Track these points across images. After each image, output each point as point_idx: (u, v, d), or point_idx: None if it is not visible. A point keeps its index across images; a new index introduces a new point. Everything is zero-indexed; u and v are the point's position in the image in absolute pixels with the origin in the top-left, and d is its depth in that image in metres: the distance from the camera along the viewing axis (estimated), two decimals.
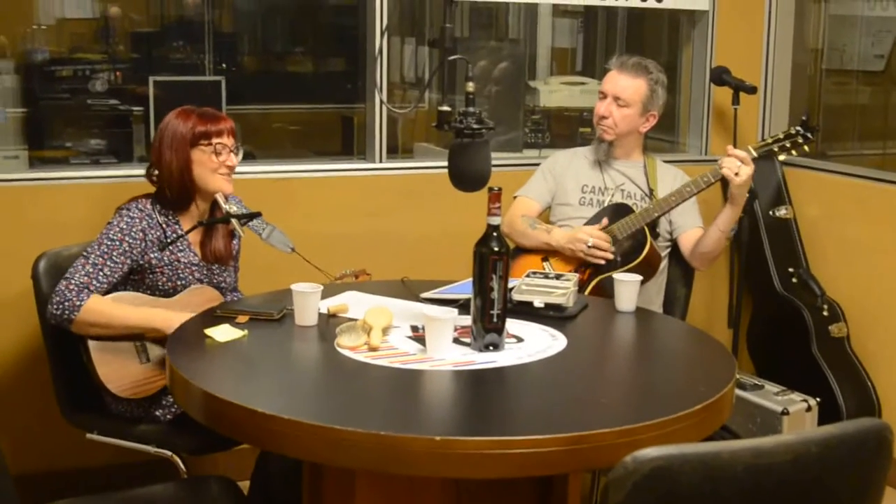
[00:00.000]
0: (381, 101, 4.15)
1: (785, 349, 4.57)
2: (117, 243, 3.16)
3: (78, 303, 3.05)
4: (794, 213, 4.70)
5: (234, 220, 3.23)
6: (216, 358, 2.72)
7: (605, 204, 3.89)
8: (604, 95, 3.91)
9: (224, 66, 5.94)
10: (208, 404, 2.42)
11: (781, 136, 3.69)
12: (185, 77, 5.44)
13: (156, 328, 3.07)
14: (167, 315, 3.06)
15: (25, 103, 4.78)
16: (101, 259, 3.13)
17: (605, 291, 3.56)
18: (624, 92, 3.86)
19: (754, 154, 3.64)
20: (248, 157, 4.74)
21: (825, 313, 4.46)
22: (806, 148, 3.69)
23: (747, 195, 3.71)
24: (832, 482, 1.85)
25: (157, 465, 3.21)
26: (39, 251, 3.33)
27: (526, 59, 5.27)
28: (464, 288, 3.01)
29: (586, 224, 3.83)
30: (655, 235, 3.79)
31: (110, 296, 3.13)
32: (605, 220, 3.78)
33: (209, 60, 5.86)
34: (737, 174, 3.55)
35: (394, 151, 4.68)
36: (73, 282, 3.08)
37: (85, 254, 3.15)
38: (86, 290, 3.07)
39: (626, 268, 3.60)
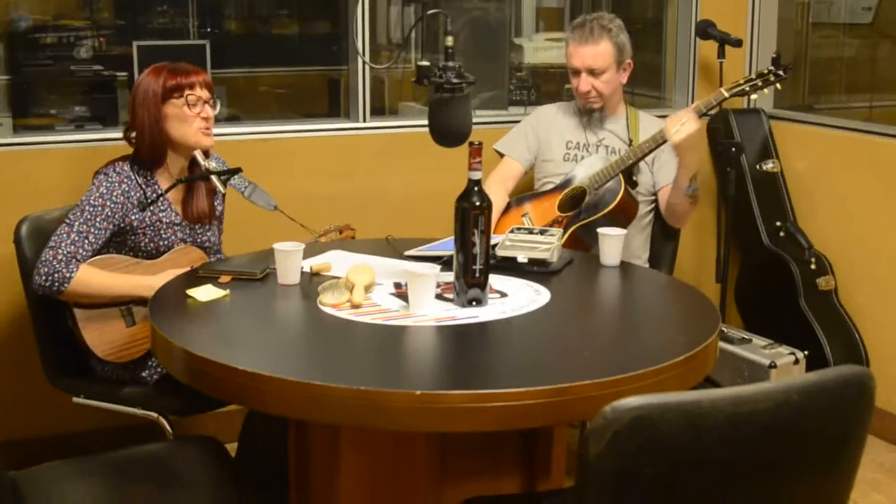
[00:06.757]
0: (361, 54, 4.12)
1: (773, 303, 4.57)
2: (99, 209, 3.13)
3: (68, 274, 3.03)
4: (781, 166, 4.68)
5: (214, 177, 3.20)
6: (198, 318, 2.70)
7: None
8: (576, 71, 3.87)
9: (209, 29, 5.89)
10: (190, 364, 2.42)
11: (754, 76, 3.68)
12: (170, 41, 5.40)
13: (143, 297, 3.05)
14: (154, 283, 3.03)
15: (9, 71, 4.76)
16: (84, 227, 3.10)
17: (584, 243, 3.55)
18: (595, 61, 3.82)
19: (703, 110, 3.64)
20: (234, 120, 4.74)
21: (813, 266, 4.45)
22: (778, 86, 3.68)
23: (696, 153, 3.69)
24: (813, 429, 1.84)
25: (144, 427, 3.22)
26: (22, 216, 3.31)
27: (511, 17, 5.25)
28: (448, 245, 2.99)
29: (554, 189, 3.84)
30: (633, 184, 3.77)
31: (94, 259, 3.11)
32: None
33: (193, 24, 5.81)
34: (677, 131, 3.55)
35: (381, 112, 4.66)
36: (60, 252, 3.05)
37: (68, 221, 3.12)
38: (74, 261, 3.05)
39: (599, 214, 3.58)
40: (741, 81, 3.67)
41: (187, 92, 3.20)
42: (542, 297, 2.79)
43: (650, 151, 3.68)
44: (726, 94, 3.64)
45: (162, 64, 3.26)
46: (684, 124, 3.55)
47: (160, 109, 3.19)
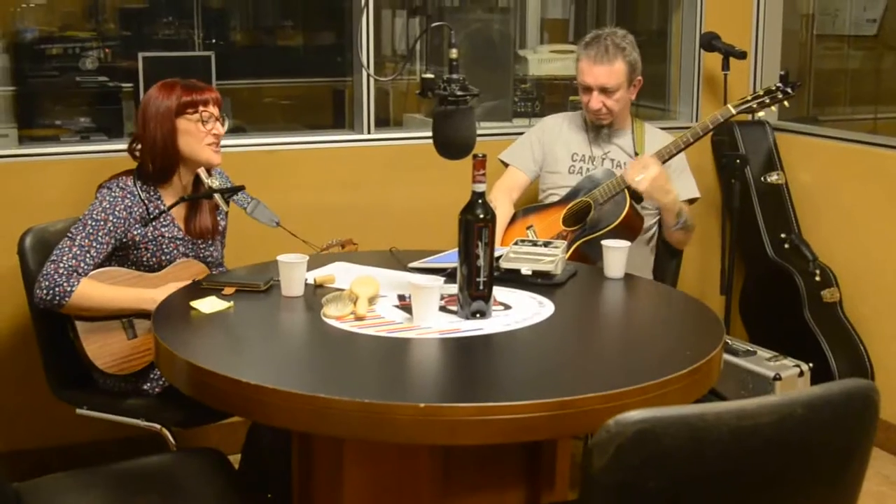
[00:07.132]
0: (365, 66, 4.12)
1: (777, 315, 4.56)
2: (102, 223, 3.14)
3: (69, 288, 3.04)
4: (786, 178, 4.68)
5: (217, 195, 3.20)
6: (202, 329, 2.70)
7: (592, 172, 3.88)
8: (588, 88, 3.85)
9: (214, 40, 5.90)
10: (194, 376, 2.41)
11: (762, 92, 3.66)
12: (175, 53, 5.40)
13: (144, 310, 3.06)
14: (155, 296, 3.03)
15: (15, 82, 4.76)
16: (87, 241, 3.11)
17: (588, 257, 3.54)
18: (608, 80, 3.80)
19: (664, 156, 3.66)
20: (239, 131, 4.74)
21: (817, 278, 4.45)
22: (786, 103, 3.67)
23: (669, 194, 3.70)
24: (818, 443, 1.83)
25: (147, 439, 3.21)
26: (26, 228, 3.31)
27: (516, 28, 5.25)
28: (452, 257, 2.99)
29: (559, 202, 3.83)
30: (638, 199, 3.77)
31: (96, 272, 3.11)
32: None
33: (199, 36, 5.82)
34: (640, 180, 3.58)
35: (385, 124, 4.66)
36: (61, 265, 3.06)
37: (70, 235, 3.12)
38: (75, 275, 3.06)
39: (604, 230, 3.58)
40: (748, 98, 3.66)
41: (202, 108, 3.21)
42: (546, 309, 2.79)
43: (615, 196, 3.67)
44: (733, 111, 3.63)
45: (172, 80, 3.27)
46: (645, 170, 3.56)
47: (174, 124, 3.20)
